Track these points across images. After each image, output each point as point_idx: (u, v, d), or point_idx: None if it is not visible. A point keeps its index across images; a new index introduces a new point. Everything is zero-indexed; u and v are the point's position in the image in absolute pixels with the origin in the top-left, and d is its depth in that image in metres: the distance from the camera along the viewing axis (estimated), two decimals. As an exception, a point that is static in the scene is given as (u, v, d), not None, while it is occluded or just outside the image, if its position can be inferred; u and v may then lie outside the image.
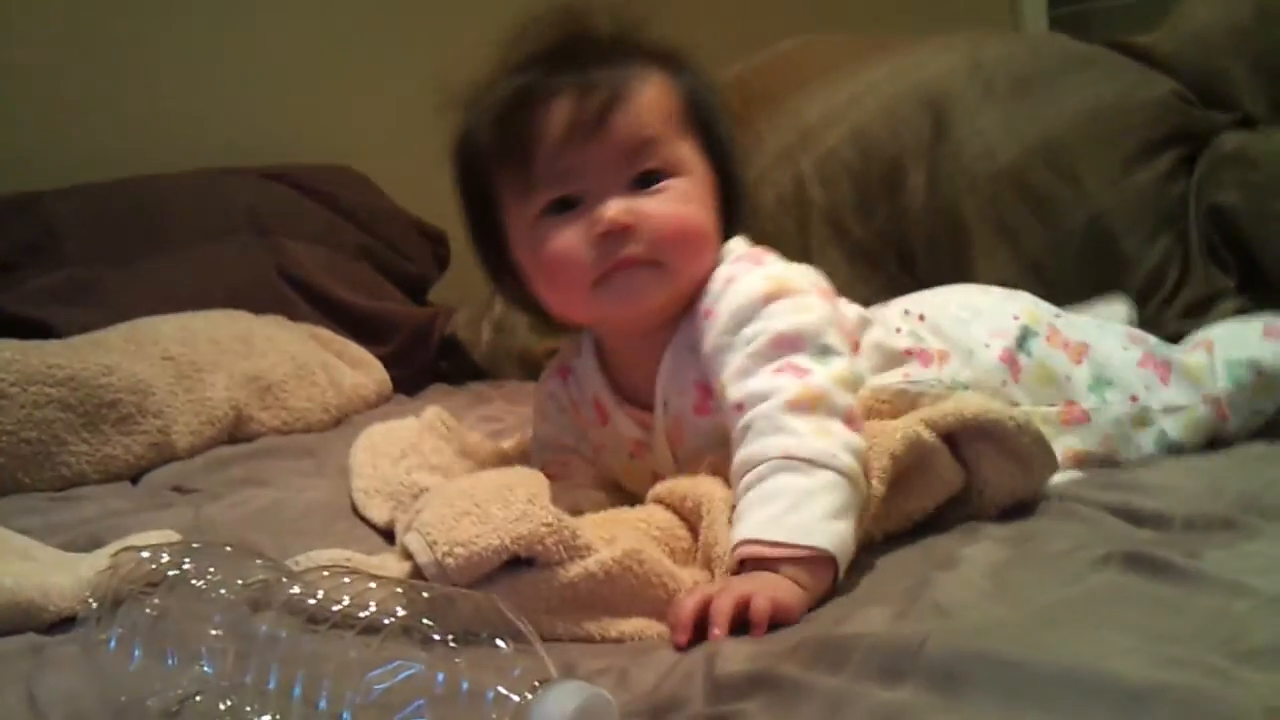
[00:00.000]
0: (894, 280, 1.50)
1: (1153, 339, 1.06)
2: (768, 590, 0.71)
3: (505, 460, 1.19)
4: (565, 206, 0.90)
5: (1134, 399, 0.99)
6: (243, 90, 2.19)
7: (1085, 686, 0.52)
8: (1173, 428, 0.98)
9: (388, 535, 1.02)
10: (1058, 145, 1.44)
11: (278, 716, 0.57)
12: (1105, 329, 1.07)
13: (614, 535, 0.80)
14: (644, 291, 0.90)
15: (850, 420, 0.81)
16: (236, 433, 1.50)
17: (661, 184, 0.90)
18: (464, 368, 1.96)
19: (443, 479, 1.00)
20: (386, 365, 1.83)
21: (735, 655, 0.64)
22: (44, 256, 1.68)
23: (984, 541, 0.80)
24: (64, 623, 0.82)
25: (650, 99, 0.91)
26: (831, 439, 0.78)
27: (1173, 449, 0.98)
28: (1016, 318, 1.03)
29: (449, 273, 2.19)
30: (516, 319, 1.88)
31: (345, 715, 0.53)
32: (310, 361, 1.64)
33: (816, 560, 0.75)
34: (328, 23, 2.31)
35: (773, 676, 0.61)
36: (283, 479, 1.29)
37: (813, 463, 0.77)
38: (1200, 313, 1.33)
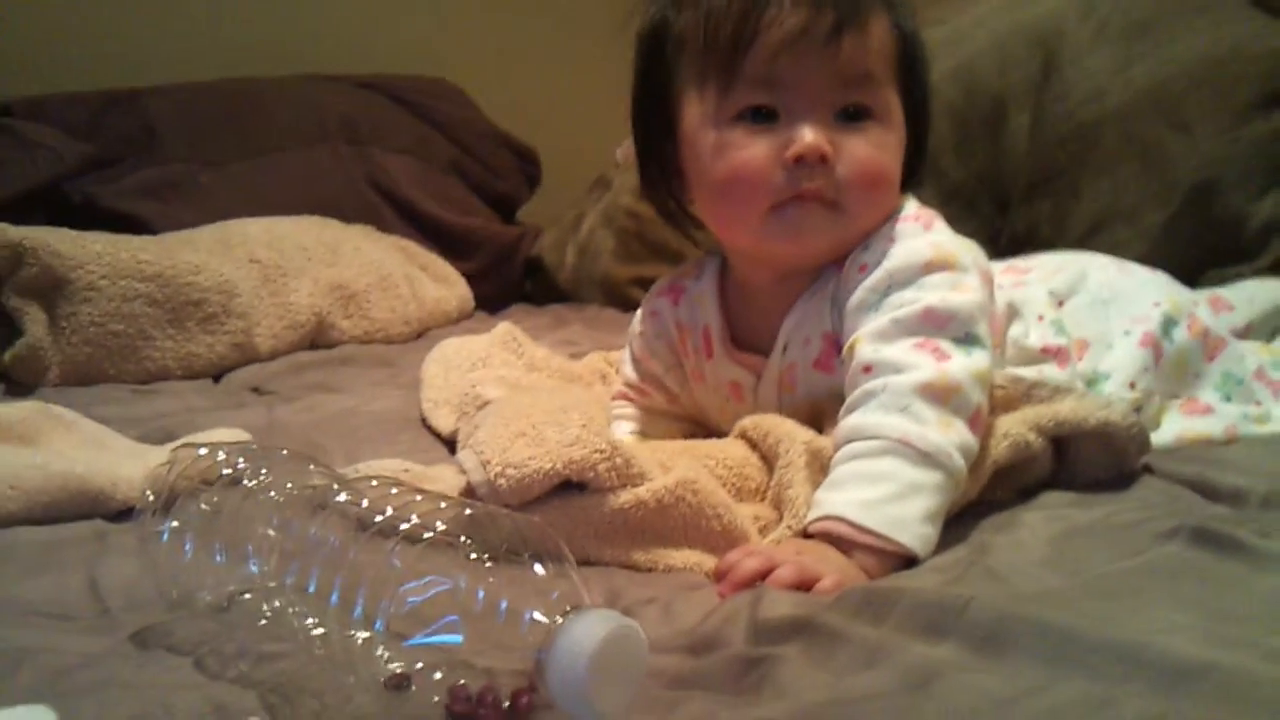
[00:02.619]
0: (988, 224, 1.45)
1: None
2: (837, 576, 0.69)
3: (573, 377, 1.20)
4: (759, 118, 0.84)
5: (1258, 404, 0.97)
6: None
7: (1129, 659, 0.50)
8: None
9: (452, 446, 1.03)
10: (1169, 92, 1.37)
11: (316, 620, 0.58)
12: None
13: (673, 464, 0.79)
14: (816, 232, 0.84)
15: (974, 421, 0.76)
16: (318, 339, 1.53)
17: (865, 124, 0.84)
18: (547, 289, 1.96)
19: (508, 391, 1.00)
20: (471, 282, 1.84)
21: (780, 600, 0.64)
22: (141, 153, 1.71)
23: (1050, 508, 0.78)
24: (130, 511, 0.84)
25: (879, 34, 0.84)
26: (952, 436, 0.74)
27: None
28: (1158, 304, 0.99)
29: (538, 193, 2.19)
30: (601, 244, 1.87)
31: (379, 624, 0.54)
32: (395, 273, 1.66)
33: (896, 556, 0.72)
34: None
35: (814, 623, 0.60)
36: (357, 387, 1.31)
37: (929, 457, 0.73)
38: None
